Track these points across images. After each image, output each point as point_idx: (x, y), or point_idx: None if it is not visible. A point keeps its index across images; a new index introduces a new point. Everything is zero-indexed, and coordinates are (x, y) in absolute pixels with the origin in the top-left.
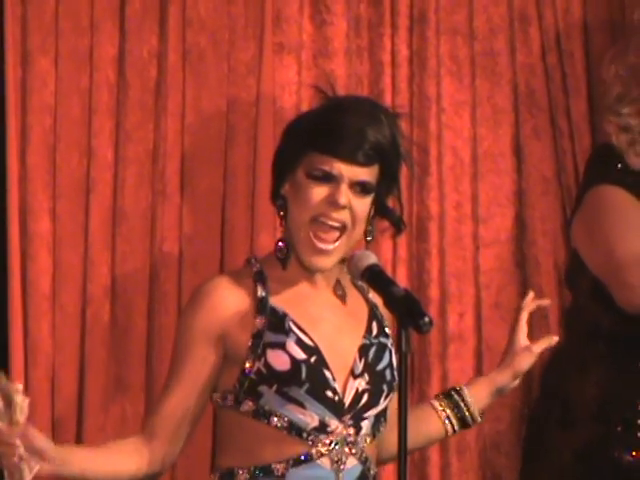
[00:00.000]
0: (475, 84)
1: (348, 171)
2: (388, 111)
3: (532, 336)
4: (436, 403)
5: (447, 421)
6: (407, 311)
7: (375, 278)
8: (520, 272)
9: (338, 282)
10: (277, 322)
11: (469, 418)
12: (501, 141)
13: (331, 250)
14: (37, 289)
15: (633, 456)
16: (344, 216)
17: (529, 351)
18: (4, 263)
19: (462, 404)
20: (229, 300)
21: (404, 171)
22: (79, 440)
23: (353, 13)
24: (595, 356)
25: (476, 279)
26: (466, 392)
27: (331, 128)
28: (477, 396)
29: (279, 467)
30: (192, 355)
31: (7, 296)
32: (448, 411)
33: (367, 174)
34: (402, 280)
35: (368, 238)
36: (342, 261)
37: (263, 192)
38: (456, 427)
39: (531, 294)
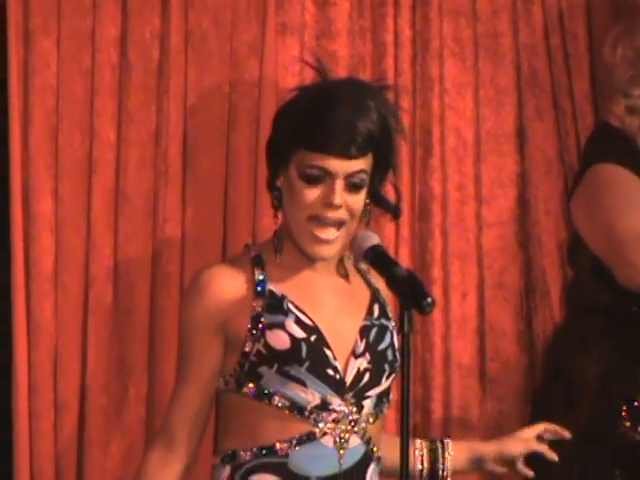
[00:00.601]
0: (478, 65)
1: (341, 166)
2: (374, 91)
3: (536, 316)
4: (417, 441)
5: (419, 461)
6: (410, 291)
7: (378, 258)
8: (523, 252)
9: (340, 262)
10: (275, 304)
11: (440, 470)
12: (504, 122)
13: (332, 239)
14: (40, 270)
15: (638, 432)
16: (340, 214)
17: (526, 442)
18: (7, 244)
19: (440, 455)
20: (227, 287)
21: (406, 153)
22: (81, 422)
23: None
24: (595, 332)
25: (479, 259)
26: (450, 447)
27: (319, 124)
28: (456, 456)
29: (283, 447)
30: (199, 350)
31: (10, 277)
32: (425, 452)
33: (361, 164)
34: (405, 260)
35: (365, 220)
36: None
37: (265, 174)
38: (424, 472)
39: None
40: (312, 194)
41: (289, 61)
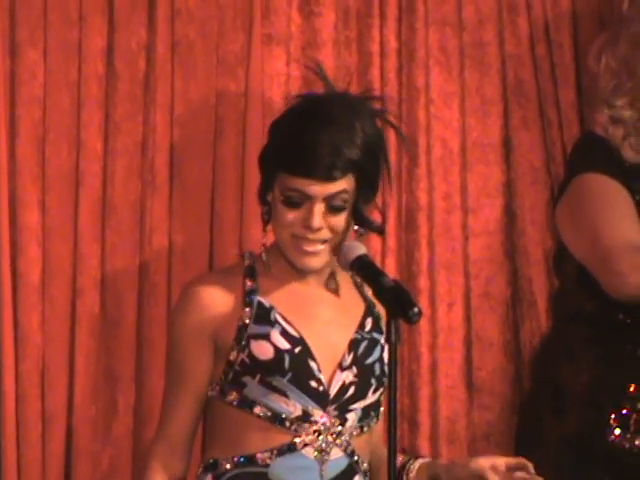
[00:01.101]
0: (464, 75)
1: (319, 190)
2: (362, 111)
3: (523, 326)
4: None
5: None
6: (396, 301)
7: (364, 268)
8: (509, 262)
9: (331, 276)
10: (263, 314)
11: None
12: (490, 132)
13: (318, 251)
14: (27, 281)
15: (627, 439)
16: (322, 235)
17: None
18: None
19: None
20: (217, 297)
21: (392, 163)
22: (69, 432)
23: (342, 4)
24: (580, 340)
25: (465, 269)
26: (416, 465)
27: (297, 148)
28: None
29: (263, 457)
30: (192, 359)
31: None
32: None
33: (341, 185)
34: (391, 271)
35: (361, 232)
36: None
37: (252, 183)
38: None
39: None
40: (293, 216)
41: (275, 71)
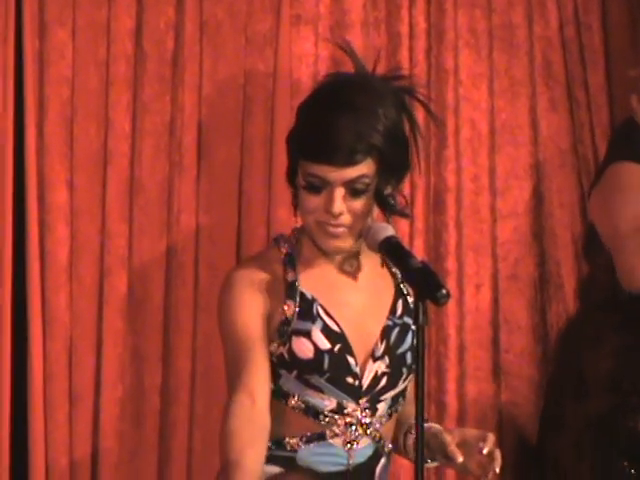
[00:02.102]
0: (492, 56)
1: (338, 175)
2: (386, 95)
3: (550, 309)
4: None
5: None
6: (424, 283)
7: (392, 250)
8: (537, 244)
9: (353, 256)
10: (306, 308)
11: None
12: (519, 113)
13: (342, 233)
14: (55, 261)
15: None
16: (342, 220)
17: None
18: (22, 234)
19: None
20: (264, 285)
21: (421, 144)
22: (96, 412)
23: None
24: (610, 327)
25: (493, 251)
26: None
27: (316, 134)
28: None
29: (292, 442)
30: (254, 327)
31: (25, 268)
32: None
33: (361, 170)
34: (419, 252)
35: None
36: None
37: (280, 164)
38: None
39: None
40: (315, 202)
41: (303, 52)
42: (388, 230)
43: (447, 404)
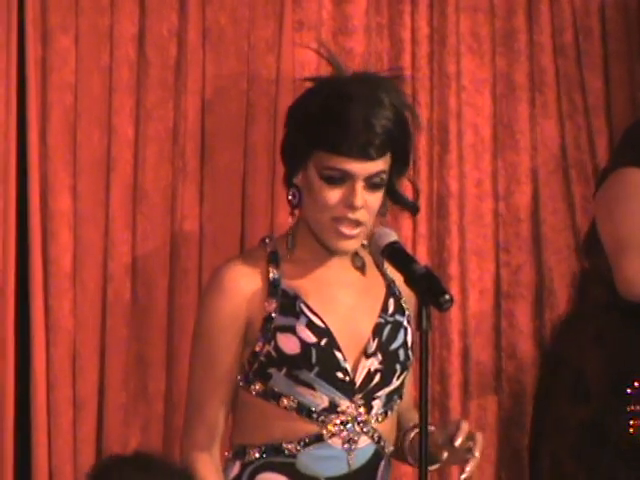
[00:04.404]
0: (495, 61)
1: (362, 168)
2: (388, 85)
3: (551, 314)
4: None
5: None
6: (427, 288)
7: (395, 255)
8: (537, 249)
9: (356, 254)
10: (288, 305)
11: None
12: (521, 118)
13: (355, 234)
14: (58, 267)
15: None
16: (360, 215)
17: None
18: (26, 241)
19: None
20: (248, 285)
21: (423, 150)
22: (100, 418)
23: None
24: (611, 327)
25: (496, 256)
26: (412, 434)
27: (336, 126)
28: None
29: (290, 447)
30: (225, 347)
31: (28, 274)
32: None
33: (380, 165)
34: (422, 257)
35: (382, 212)
36: None
37: (283, 170)
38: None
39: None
40: (334, 195)
41: (306, 58)
42: (391, 236)
43: (450, 409)
